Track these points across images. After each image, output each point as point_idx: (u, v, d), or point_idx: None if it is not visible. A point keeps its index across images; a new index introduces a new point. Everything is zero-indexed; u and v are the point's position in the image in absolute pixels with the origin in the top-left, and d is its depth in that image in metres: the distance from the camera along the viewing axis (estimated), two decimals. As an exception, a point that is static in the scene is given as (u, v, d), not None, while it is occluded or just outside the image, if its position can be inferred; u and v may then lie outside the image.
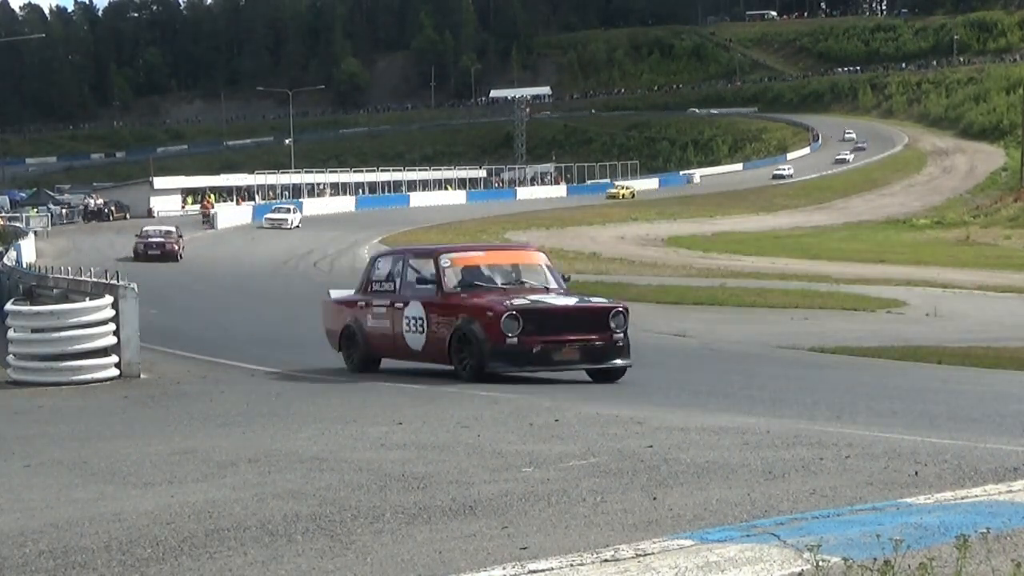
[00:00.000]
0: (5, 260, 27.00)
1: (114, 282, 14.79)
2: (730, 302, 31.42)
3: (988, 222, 72.91)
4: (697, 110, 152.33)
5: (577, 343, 13.00)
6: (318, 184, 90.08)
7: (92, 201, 73.39)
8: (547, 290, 13.70)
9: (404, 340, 13.81)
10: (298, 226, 64.54)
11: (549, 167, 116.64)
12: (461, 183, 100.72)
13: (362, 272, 15.91)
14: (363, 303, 14.73)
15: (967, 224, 71.70)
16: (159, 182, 78.84)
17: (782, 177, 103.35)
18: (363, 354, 14.55)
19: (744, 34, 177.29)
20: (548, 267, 14.30)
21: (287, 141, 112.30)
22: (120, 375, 13.94)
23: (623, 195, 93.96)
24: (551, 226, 68.24)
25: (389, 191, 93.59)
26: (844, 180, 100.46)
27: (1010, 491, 5.68)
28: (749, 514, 5.44)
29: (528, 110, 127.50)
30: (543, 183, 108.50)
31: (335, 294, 15.85)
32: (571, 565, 4.43)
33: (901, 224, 74.80)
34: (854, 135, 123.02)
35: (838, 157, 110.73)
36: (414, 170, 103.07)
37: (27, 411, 11.66)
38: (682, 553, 4.53)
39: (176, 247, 46.50)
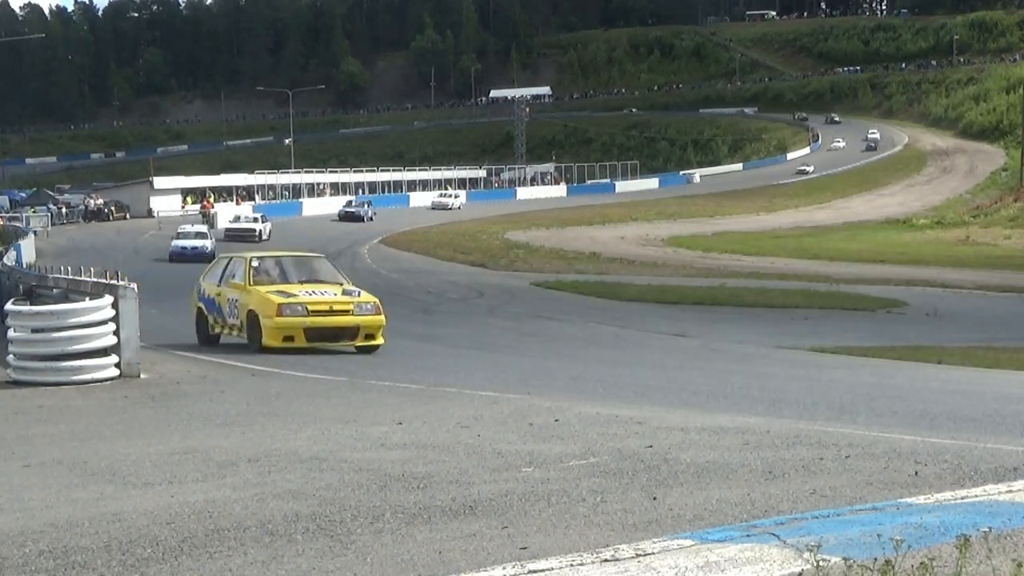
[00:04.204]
0: (5, 260, 26.87)
1: (114, 282, 14.77)
2: (730, 302, 31.44)
3: (988, 222, 72.85)
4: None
5: None
6: (318, 184, 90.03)
7: (92, 201, 73.20)
8: None
9: None
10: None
11: (549, 167, 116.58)
12: (461, 183, 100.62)
13: None
14: None
15: (967, 224, 71.64)
16: (159, 182, 78.76)
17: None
18: None
19: (744, 34, 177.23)
20: None
21: (287, 141, 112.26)
22: (120, 375, 13.91)
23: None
24: (551, 226, 68.20)
25: (389, 191, 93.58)
26: (844, 180, 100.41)
27: (1010, 491, 5.68)
28: (749, 514, 5.43)
29: (528, 110, 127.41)
30: (543, 183, 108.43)
31: None
32: (571, 565, 4.43)
33: (901, 224, 74.71)
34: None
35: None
36: (414, 170, 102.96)
37: (27, 411, 11.63)
38: (682, 553, 4.53)
39: None
